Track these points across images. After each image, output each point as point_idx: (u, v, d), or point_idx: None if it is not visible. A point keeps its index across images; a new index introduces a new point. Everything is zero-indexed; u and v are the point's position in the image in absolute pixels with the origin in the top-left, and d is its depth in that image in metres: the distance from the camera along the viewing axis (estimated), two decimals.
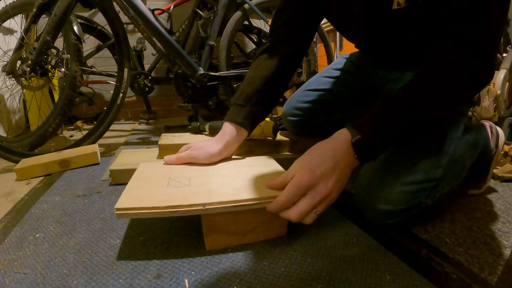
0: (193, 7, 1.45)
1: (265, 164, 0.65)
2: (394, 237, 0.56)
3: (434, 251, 0.52)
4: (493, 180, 0.81)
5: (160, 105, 1.99)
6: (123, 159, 0.86)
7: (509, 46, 1.36)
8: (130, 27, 1.74)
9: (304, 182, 0.46)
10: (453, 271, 0.47)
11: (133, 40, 1.53)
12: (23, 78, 1.03)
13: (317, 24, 0.74)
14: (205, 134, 1.03)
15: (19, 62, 1.04)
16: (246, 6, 1.37)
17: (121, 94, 1.18)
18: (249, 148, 0.92)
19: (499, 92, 1.23)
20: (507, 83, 1.29)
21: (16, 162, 0.94)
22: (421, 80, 0.52)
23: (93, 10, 1.30)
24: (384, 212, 0.56)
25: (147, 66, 1.61)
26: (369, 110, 0.52)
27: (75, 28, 1.06)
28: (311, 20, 0.72)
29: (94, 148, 1.00)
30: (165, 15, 1.43)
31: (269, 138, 0.92)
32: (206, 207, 0.48)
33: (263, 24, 1.51)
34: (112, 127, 1.21)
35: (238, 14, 1.37)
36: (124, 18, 1.16)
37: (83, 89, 1.62)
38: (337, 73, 0.88)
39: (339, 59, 0.92)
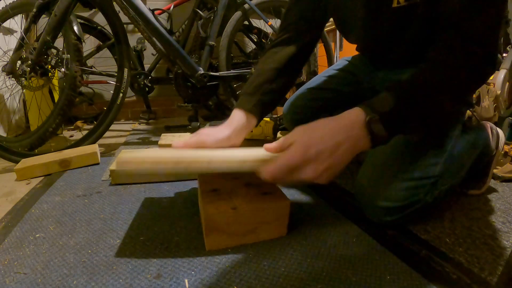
0: (193, 7, 1.45)
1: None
2: (394, 237, 0.56)
3: (434, 251, 0.52)
4: (493, 180, 0.81)
5: (160, 105, 1.99)
6: None
7: (509, 46, 1.36)
8: (130, 27, 1.74)
9: (294, 161, 0.45)
10: (453, 271, 0.47)
11: (133, 40, 1.53)
12: (23, 78, 1.03)
13: (324, 22, 0.75)
14: None
15: (19, 62, 1.03)
16: (246, 6, 1.37)
17: (121, 94, 1.18)
18: None
19: (499, 92, 1.23)
20: (507, 83, 1.29)
21: (16, 162, 0.94)
22: (429, 69, 0.51)
23: (93, 10, 1.30)
24: (383, 209, 0.56)
25: (147, 66, 1.61)
26: (378, 95, 0.50)
27: (75, 28, 1.06)
28: (318, 19, 0.73)
29: (94, 148, 1.00)
30: (165, 15, 1.43)
31: (269, 138, 0.92)
32: (211, 165, 0.47)
33: (263, 24, 1.51)
34: (112, 127, 1.21)
35: (238, 14, 1.37)
36: (124, 18, 1.16)
37: (83, 89, 1.61)
38: (338, 72, 0.89)
39: (340, 61, 0.92)
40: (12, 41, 1.40)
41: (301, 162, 0.45)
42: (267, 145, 0.50)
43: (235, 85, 1.47)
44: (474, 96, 1.11)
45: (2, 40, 1.36)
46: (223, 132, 0.62)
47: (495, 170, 0.81)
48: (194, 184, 0.79)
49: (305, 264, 0.49)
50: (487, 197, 0.73)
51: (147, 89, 1.57)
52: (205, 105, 1.63)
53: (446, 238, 0.56)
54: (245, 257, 0.51)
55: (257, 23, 1.54)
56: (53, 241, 0.55)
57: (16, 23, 1.31)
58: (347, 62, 0.89)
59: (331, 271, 0.47)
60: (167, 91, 1.92)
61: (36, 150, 1.05)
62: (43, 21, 1.03)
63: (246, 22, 1.45)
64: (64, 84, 1.03)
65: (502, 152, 0.77)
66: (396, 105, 0.47)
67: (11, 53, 1.06)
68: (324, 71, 0.95)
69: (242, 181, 0.61)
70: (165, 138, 0.93)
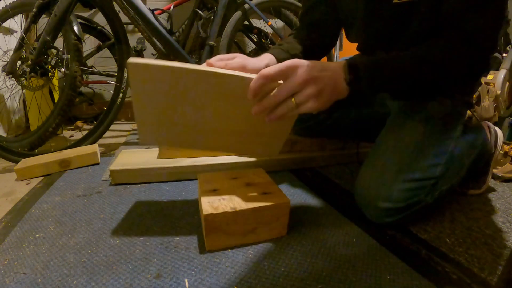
0: (193, 7, 1.44)
1: None
2: (394, 237, 0.56)
3: (434, 251, 0.52)
4: (493, 180, 0.81)
5: None
6: (123, 159, 0.86)
7: (509, 46, 1.36)
8: (130, 27, 1.74)
9: (287, 63, 0.47)
10: (453, 271, 0.47)
11: (133, 40, 1.53)
12: (23, 78, 1.03)
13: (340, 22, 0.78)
14: None
15: (19, 62, 1.03)
16: (246, 6, 1.37)
17: (121, 94, 1.18)
18: None
19: (499, 92, 1.23)
20: (507, 83, 1.29)
21: (16, 162, 0.94)
22: (421, 47, 0.53)
23: (93, 10, 1.30)
24: (384, 210, 0.56)
25: None
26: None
27: (75, 28, 1.06)
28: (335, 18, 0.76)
29: (94, 148, 1.00)
30: (165, 15, 1.43)
31: None
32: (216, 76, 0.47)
33: (263, 24, 1.51)
34: (112, 127, 1.21)
35: (238, 14, 1.37)
36: (124, 18, 1.16)
37: (83, 89, 1.62)
38: None
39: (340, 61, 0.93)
40: (12, 41, 1.40)
41: (294, 66, 0.47)
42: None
43: None
44: (474, 96, 1.11)
45: (2, 40, 1.36)
46: (263, 61, 0.62)
47: (495, 170, 0.81)
48: (194, 184, 0.79)
49: (305, 264, 0.49)
50: (487, 197, 0.73)
51: None
52: None
53: (446, 238, 0.56)
54: (245, 257, 0.51)
55: (257, 23, 1.54)
56: (53, 241, 0.55)
57: (16, 23, 1.31)
58: None
59: (331, 271, 0.47)
60: None
61: (36, 150, 1.05)
62: (43, 21, 1.03)
63: (246, 22, 1.45)
64: (64, 84, 1.03)
65: (502, 152, 0.77)
66: (376, 61, 0.52)
67: (11, 53, 1.06)
68: None
69: (242, 181, 0.61)
70: None
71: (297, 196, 0.73)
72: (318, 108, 0.49)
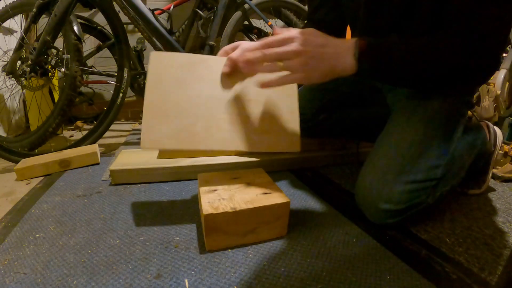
0: (193, 7, 1.45)
1: None
2: (394, 237, 0.56)
3: (434, 251, 0.52)
4: (493, 180, 0.81)
5: None
6: (123, 159, 0.86)
7: (509, 46, 1.36)
8: (130, 27, 1.74)
9: (285, 34, 0.50)
10: (453, 271, 0.47)
11: (133, 40, 1.53)
12: (23, 78, 1.03)
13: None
14: None
15: (19, 62, 1.03)
16: (246, 6, 1.37)
17: (121, 94, 1.17)
18: None
19: (499, 92, 1.23)
20: (507, 83, 1.30)
21: (16, 162, 0.94)
22: (425, 39, 0.53)
23: (93, 10, 1.30)
24: (385, 211, 0.56)
25: (147, 66, 1.60)
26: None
27: (75, 28, 1.06)
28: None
29: (94, 148, 1.00)
30: (165, 15, 1.43)
31: None
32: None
33: (263, 24, 1.51)
34: (112, 127, 1.21)
35: (238, 14, 1.37)
36: (124, 18, 1.16)
37: (83, 89, 1.61)
38: None
39: None
40: (12, 41, 1.40)
41: (290, 36, 0.50)
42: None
43: None
44: (474, 96, 1.11)
45: (2, 40, 1.36)
46: None
47: (495, 170, 0.81)
48: (194, 184, 0.79)
49: (305, 264, 0.49)
50: (487, 197, 0.73)
51: None
52: None
53: (446, 238, 0.56)
54: (245, 257, 0.51)
55: (257, 23, 1.54)
56: (53, 241, 0.55)
57: (16, 23, 1.31)
58: None
59: (331, 271, 0.47)
60: None
61: (36, 150, 1.05)
62: (43, 21, 1.03)
63: (246, 22, 1.45)
64: (64, 84, 1.03)
65: (502, 152, 0.77)
66: (387, 43, 0.52)
67: (11, 53, 1.06)
68: None
69: (242, 181, 0.61)
70: None
71: (297, 196, 0.73)
72: (309, 80, 0.52)
